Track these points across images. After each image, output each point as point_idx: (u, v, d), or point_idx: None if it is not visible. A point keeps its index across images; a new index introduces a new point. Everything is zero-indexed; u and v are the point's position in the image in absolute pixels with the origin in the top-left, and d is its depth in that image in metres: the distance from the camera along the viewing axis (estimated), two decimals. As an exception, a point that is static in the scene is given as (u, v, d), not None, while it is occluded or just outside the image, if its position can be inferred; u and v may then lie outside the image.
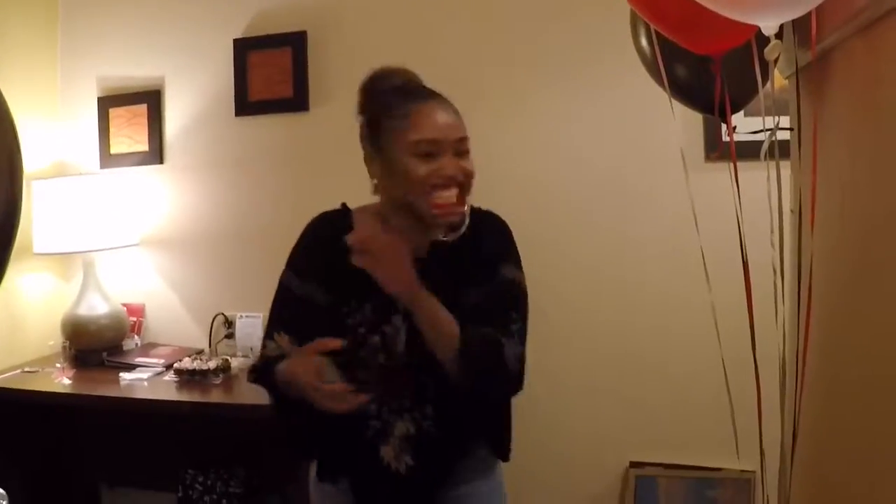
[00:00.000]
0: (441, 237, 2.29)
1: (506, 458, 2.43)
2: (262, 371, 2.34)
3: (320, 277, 2.33)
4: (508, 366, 2.17)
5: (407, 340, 2.25)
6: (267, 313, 3.83)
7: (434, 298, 2.17)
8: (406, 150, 2.20)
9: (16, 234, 1.44)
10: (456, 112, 2.29)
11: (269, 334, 2.38)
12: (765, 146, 1.94)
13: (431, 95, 2.33)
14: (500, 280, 2.27)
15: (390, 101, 2.32)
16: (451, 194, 2.18)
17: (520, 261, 2.36)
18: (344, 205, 2.47)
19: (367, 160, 2.34)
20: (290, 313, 2.38)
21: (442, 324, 2.16)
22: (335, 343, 2.16)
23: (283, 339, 2.32)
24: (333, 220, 2.43)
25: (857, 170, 1.63)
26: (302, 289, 2.36)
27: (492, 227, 2.39)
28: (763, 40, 1.72)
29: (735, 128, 2.14)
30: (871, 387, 1.54)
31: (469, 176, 2.23)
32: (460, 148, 2.23)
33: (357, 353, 2.24)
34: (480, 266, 2.28)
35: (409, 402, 2.26)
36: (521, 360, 2.22)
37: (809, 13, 1.65)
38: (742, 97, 2.15)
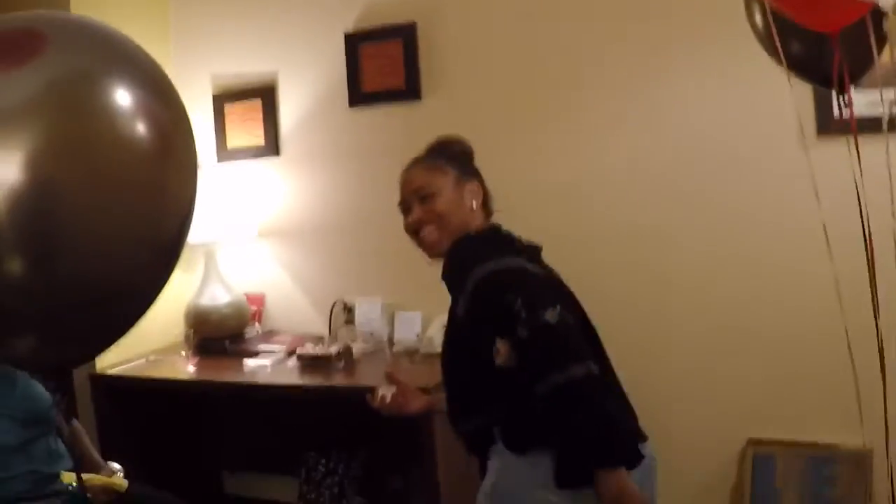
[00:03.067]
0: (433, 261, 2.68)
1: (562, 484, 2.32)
2: None
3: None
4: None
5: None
6: (386, 299, 3.94)
7: None
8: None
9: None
10: (427, 167, 2.73)
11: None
12: (886, 114, 1.94)
13: (413, 162, 2.82)
14: (473, 283, 2.43)
15: None
16: (423, 234, 2.63)
17: (483, 257, 2.45)
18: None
19: None
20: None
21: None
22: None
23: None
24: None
25: None
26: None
27: (488, 291, 2.39)
28: (878, 12, 1.74)
29: (851, 102, 2.14)
30: None
31: (436, 214, 2.61)
32: (421, 195, 2.64)
33: None
34: (488, 328, 2.40)
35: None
36: (551, 328, 2.25)
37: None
38: (858, 70, 2.15)
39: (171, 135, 1.47)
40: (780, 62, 2.21)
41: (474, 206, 2.66)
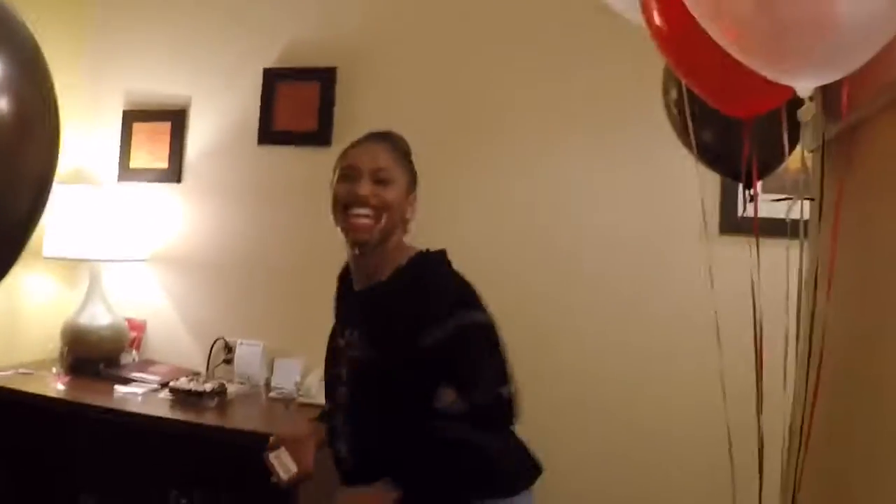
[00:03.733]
0: (352, 251, 2.51)
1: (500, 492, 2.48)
2: None
3: (336, 310, 2.78)
4: (478, 452, 2.34)
5: (346, 352, 2.57)
6: (268, 343, 3.87)
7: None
8: (336, 176, 2.52)
9: (42, 213, 1.50)
10: (391, 152, 2.53)
11: None
12: (788, 213, 1.96)
13: (376, 138, 2.59)
14: (457, 324, 2.36)
15: (351, 143, 2.62)
16: (362, 213, 2.41)
17: (471, 301, 2.45)
18: None
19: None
20: None
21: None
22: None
23: None
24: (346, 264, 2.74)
25: (874, 247, 1.64)
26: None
27: (430, 272, 2.51)
28: (791, 109, 1.74)
29: (757, 195, 2.15)
30: (878, 462, 1.53)
31: (384, 203, 2.44)
32: (379, 176, 2.45)
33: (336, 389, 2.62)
34: (428, 311, 2.39)
35: (340, 401, 2.59)
36: (497, 402, 2.36)
37: (841, 85, 1.67)
38: (767, 165, 2.16)
39: (33, 114, 1.39)
40: (690, 149, 2.21)
41: (409, 216, 2.55)
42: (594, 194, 3.73)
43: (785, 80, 1.46)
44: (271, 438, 2.64)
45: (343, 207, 2.45)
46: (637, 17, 1.92)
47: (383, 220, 2.43)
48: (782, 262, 2.05)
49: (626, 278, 3.66)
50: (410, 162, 2.59)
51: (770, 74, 1.48)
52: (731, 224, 3.43)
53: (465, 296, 2.43)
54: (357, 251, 2.48)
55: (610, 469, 3.62)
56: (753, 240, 2.08)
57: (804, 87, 1.45)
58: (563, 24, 3.76)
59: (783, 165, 2.13)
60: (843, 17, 1.29)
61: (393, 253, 2.51)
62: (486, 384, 2.36)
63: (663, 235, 3.59)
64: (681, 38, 1.71)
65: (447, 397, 2.31)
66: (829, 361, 1.82)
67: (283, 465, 2.53)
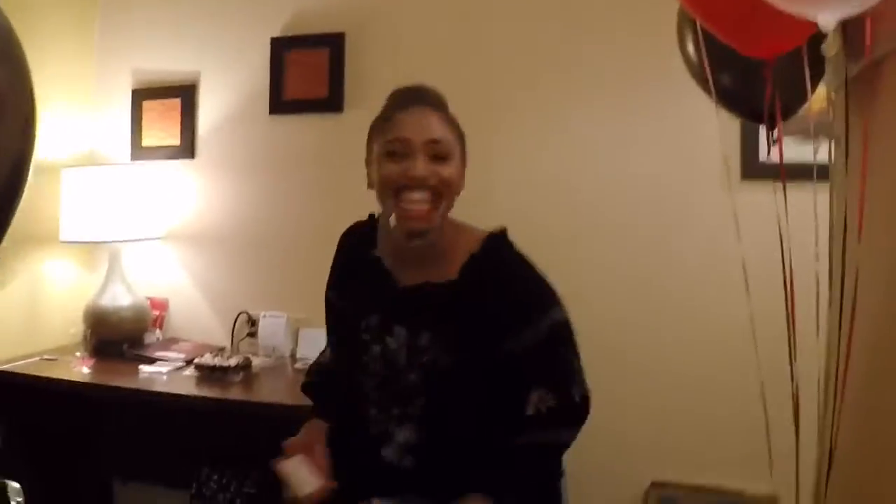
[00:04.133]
0: (406, 243, 2.24)
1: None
2: (308, 371, 2.74)
3: (338, 285, 2.50)
4: (563, 447, 2.34)
5: (407, 356, 2.26)
6: (291, 314, 3.82)
7: None
8: (381, 151, 2.21)
9: (21, 192, 1.47)
10: (445, 118, 2.26)
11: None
12: (816, 151, 1.92)
13: (422, 101, 2.29)
14: (548, 324, 2.28)
15: (387, 106, 2.35)
16: (418, 197, 2.16)
17: (555, 296, 2.34)
18: (372, 216, 2.49)
19: (367, 166, 2.35)
20: (328, 317, 2.59)
21: None
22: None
23: (328, 342, 2.62)
24: (359, 231, 2.51)
25: None
26: (330, 294, 2.54)
27: (512, 273, 2.32)
28: (813, 47, 1.69)
29: (780, 138, 2.10)
30: None
31: (444, 182, 2.19)
32: (436, 151, 2.18)
33: (361, 360, 2.32)
34: (516, 314, 2.26)
35: (409, 411, 2.27)
36: (585, 399, 2.33)
37: (863, 20, 1.61)
38: (789, 106, 2.11)
39: (5, 92, 1.34)
40: (709, 94, 2.16)
41: (461, 191, 2.29)
42: (617, 147, 3.69)
43: (806, 14, 1.41)
44: (285, 445, 2.39)
45: (395, 191, 2.17)
46: None
47: (443, 204, 2.20)
48: (807, 207, 2.00)
49: (651, 228, 3.63)
50: (459, 126, 2.31)
51: (791, 8, 1.42)
52: (754, 169, 3.38)
53: (549, 291, 2.32)
54: (419, 242, 2.22)
55: (638, 416, 3.62)
56: (776, 184, 2.03)
57: (827, 20, 1.40)
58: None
59: (805, 106, 2.07)
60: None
61: (454, 238, 2.31)
62: (580, 383, 2.30)
63: (686, 184, 3.55)
64: None
65: (538, 399, 2.22)
66: (863, 304, 1.77)
67: (302, 477, 2.27)
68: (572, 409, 2.28)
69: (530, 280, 2.31)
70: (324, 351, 2.66)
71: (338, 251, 2.55)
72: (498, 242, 2.33)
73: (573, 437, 2.32)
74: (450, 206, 2.24)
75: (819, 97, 2.10)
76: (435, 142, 2.18)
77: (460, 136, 2.28)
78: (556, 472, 2.40)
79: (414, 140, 2.16)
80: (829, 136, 1.96)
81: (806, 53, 1.87)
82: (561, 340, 2.30)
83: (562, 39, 3.75)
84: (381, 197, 2.23)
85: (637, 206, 3.65)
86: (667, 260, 3.60)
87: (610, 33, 3.65)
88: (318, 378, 2.61)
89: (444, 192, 2.19)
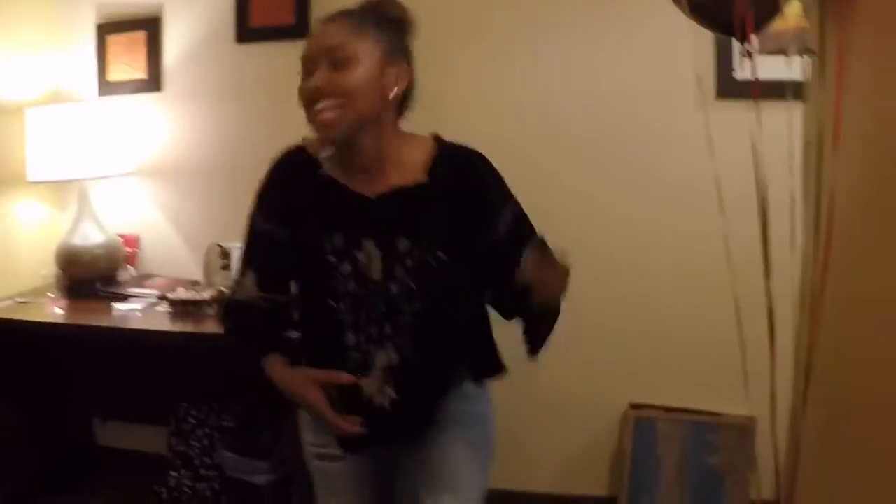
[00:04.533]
0: (323, 152, 2.28)
1: (499, 371, 2.43)
2: (227, 314, 2.54)
3: (282, 215, 2.36)
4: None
5: (383, 267, 2.21)
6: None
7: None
8: (300, 72, 2.27)
9: None
10: (353, 25, 2.21)
11: (240, 271, 2.46)
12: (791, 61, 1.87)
13: (335, 17, 2.26)
14: (513, 205, 2.33)
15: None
16: (321, 106, 2.15)
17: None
18: (306, 139, 2.45)
19: None
20: (255, 250, 2.45)
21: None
22: (344, 378, 2.20)
23: (250, 278, 2.38)
24: (296, 156, 2.44)
25: (887, 96, 1.54)
26: (264, 226, 2.42)
27: (482, 165, 2.35)
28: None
29: (753, 52, 2.06)
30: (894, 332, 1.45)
31: (344, 90, 2.15)
32: (334, 58, 2.15)
33: (329, 284, 2.24)
34: (496, 203, 2.30)
35: (389, 329, 2.22)
36: None
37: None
38: (762, 16, 2.05)
39: None
40: (681, 6, 2.10)
41: (392, 95, 2.24)
42: (589, 67, 3.65)
43: None
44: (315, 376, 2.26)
45: (307, 105, 2.21)
46: None
47: (350, 109, 2.15)
48: (784, 126, 1.96)
49: (625, 149, 3.61)
50: (387, 28, 2.26)
51: None
52: (729, 88, 3.36)
53: (504, 181, 2.35)
54: (330, 149, 2.25)
55: (616, 341, 3.63)
56: (752, 103, 1.99)
57: None
58: None
59: (782, 20, 2.02)
60: None
61: (399, 144, 2.31)
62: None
63: (660, 104, 3.52)
64: None
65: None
66: (840, 219, 1.74)
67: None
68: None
69: (491, 169, 2.34)
70: (238, 288, 2.45)
71: (273, 178, 2.47)
72: (450, 143, 2.34)
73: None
74: (367, 112, 2.19)
75: (796, 13, 2.06)
76: (331, 48, 2.16)
77: (381, 39, 2.23)
78: None
79: (314, 53, 2.20)
80: (806, 51, 1.91)
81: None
82: (527, 224, 2.34)
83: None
84: (306, 117, 2.24)
85: (610, 128, 3.62)
86: (642, 182, 3.58)
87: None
88: (252, 319, 2.42)
89: (348, 99, 2.15)
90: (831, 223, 1.72)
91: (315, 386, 2.22)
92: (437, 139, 2.35)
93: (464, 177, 2.28)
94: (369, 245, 2.22)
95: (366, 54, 2.18)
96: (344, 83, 2.15)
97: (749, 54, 2.03)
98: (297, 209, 2.32)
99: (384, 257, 2.21)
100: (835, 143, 1.71)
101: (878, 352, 1.53)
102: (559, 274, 2.12)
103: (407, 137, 2.34)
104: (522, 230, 2.29)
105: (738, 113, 2.07)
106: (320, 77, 2.15)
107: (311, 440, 2.45)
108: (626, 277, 3.59)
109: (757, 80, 1.97)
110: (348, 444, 2.31)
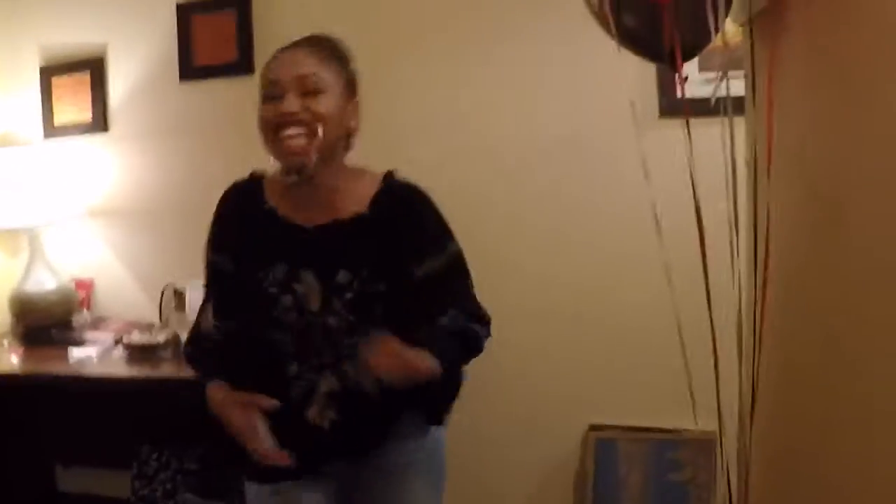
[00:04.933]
0: (288, 180, 2.23)
1: (437, 422, 2.45)
2: (186, 343, 2.59)
3: (228, 247, 2.43)
4: (481, 341, 2.35)
5: (322, 299, 2.23)
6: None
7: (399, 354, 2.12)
8: (259, 98, 2.25)
9: None
10: (318, 55, 2.25)
11: (202, 304, 2.54)
12: (714, 92, 1.89)
13: (299, 44, 2.31)
14: (449, 253, 2.34)
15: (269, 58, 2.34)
16: (293, 132, 2.15)
17: (451, 231, 2.39)
18: (253, 174, 2.49)
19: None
20: (210, 281, 2.53)
21: (419, 368, 2.11)
22: (271, 404, 2.18)
23: (209, 309, 2.47)
24: (243, 189, 2.47)
25: (817, 117, 1.57)
26: (214, 257, 2.49)
27: (422, 202, 2.37)
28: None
29: (687, 77, 2.07)
30: (833, 345, 1.51)
31: (317, 115, 2.17)
32: (306, 86, 2.17)
33: (270, 314, 2.26)
34: (425, 242, 2.32)
35: (329, 359, 2.25)
36: (490, 320, 2.39)
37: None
38: (694, 45, 2.07)
39: None
40: (611, 35, 2.12)
41: (352, 127, 2.30)
42: (528, 90, 3.65)
43: None
44: (226, 400, 2.29)
45: (272, 131, 2.19)
46: None
47: (320, 136, 2.17)
48: (724, 142, 1.98)
49: (566, 173, 3.62)
50: (345, 63, 2.32)
51: None
52: (672, 106, 3.34)
53: (446, 223, 2.36)
54: (296, 177, 2.20)
55: (571, 363, 3.63)
56: (695, 121, 2.01)
57: None
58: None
59: (717, 41, 2.04)
60: None
61: (350, 178, 2.34)
62: (478, 304, 2.37)
63: (600, 124, 3.51)
64: None
65: (451, 318, 2.25)
66: (775, 239, 1.77)
67: (262, 429, 2.19)
68: (482, 319, 2.36)
69: (433, 212, 2.36)
70: (200, 321, 2.51)
71: (220, 211, 2.50)
72: (398, 179, 2.36)
73: (485, 337, 2.36)
74: (331, 142, 2.22)
75: (735, 32, 2.08)
76: (303, 77, 2.18)
77: (341, 72, 2.28)
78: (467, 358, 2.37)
79: (283, 79, 2.19)
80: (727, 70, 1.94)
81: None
82: (462, 270, 2.38)
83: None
84: (264, 140, 2.24)
85: (551, 151, 3.63)
86: (591, 206, 3.59)
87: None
88: (207, 346, 2.46)
89: (317, 126, 2.17)
90: (767, 245, 1.75)
91: (242, 408, 2.21)
92: (388, 175, 2.37)
93: (403, 210, 2.31)
94: (308, 277, 2.24)
95: (334, 84, 2.23)
96: (317, 109, 2.17)
97: (682, 79, 2.06)
98: (241, 241, 2.37)
99: (323, 289, 2.23)
100: (768, 168, 1.74)
101: (819, 362, 1.57)
102: (399, 364, 2.10)
103: (357, 172, 2.37)
104: (448, 281, 2.33)
105: (680, 131, 2.06)
106: (292, 103, 2.16)
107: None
108: (579, 302, 3.59)
109: (687, 109, 2.00)
110: (270, 472, 2.28)
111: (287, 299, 2.25)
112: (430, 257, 2.30)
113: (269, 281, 2.26)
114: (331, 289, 2.23)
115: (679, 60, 2.03)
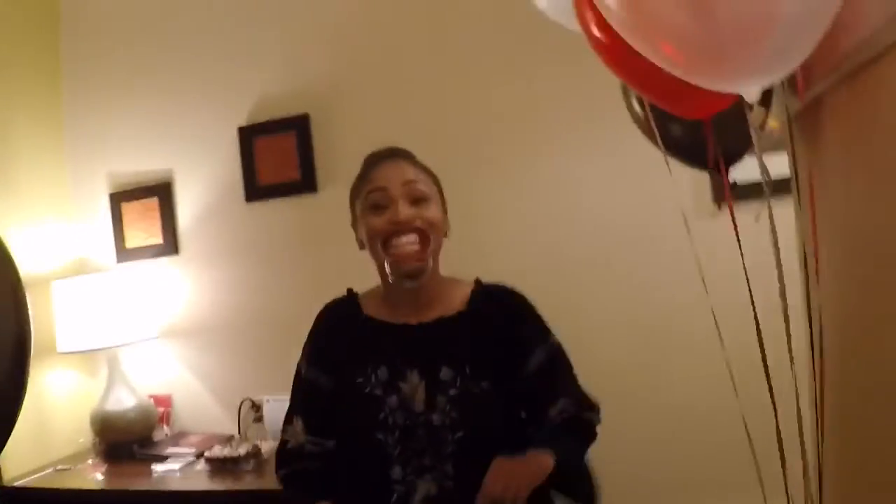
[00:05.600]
0: (404, 285, 2.29)
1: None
2: (280, 463, 2.53)
3: (326, 362, 2.43)
4: (594, 427, 2.45)
5: (426, 397, 2.27)
6: (292, 395, 3.86)
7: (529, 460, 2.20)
8: (364, 206, 2.29)
9: (27, 369, 1.56)
10: (416, 164, 2.36)
11: (287, 418, 2.52)
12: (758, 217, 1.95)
13: (393, 155, 2.38)
14: (551, 344, 2.42)
15: (363, 168, 2.42)
16: (407, 240, 2.22)
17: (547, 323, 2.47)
18: (350, 290, 2.55)
19: (354, 228, 2.44)
20: (301, 397, 2.50)
21: (538, 468, 2.18)
22: None
23: (298, 424, 2.44)
24: (339, 307, 2.52)
25: (853, 213, 1.64)
26: (309, 373, 2.46)
27: (520, 299, 2.45)
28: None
29: (735, 184, 2.17)
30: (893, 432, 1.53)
31: (428, 222, 2.25)
32: (413, 193, 2.26)
33: (376, 417, 2.27)
34: (528, 336, 2.39)
35: (430, 460, 2.25)
36: (598, 405, 2.48)
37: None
38: (737, 150, 2.17)
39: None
40: (657, 145, 2.23)
41: (446, 234, 2.38)
42: (580, 193, 3.78)
43: (730, 89, 1.47)
44: None
45: (384, 241, 2.24)
46: (574, 26, 1.90)
47: (432, 242, 2.26)
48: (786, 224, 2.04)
49: (630, 263, 3.71)
50: (432, 170, 2.41)
51: (714, 86, 1.48)
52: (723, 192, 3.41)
53: (543, 319, 2.45)
54: (415, 283, 2.27)
55: (640, 449, 3.65)
56: (752, 205, 2.08)
57: (750, 93, 1.45)
58: (523, 32, 3.71)
59: (765, 129, 2.13)
60: (781, 16, 1.29)
61: (444, 281, 2.43)
62: (584, 392, 2.45)
63: (659, 218, 3.56)
64: (620, 50, 1.65)
65: (560, 410, 2.35)
66: (832, 348, 1.82)
67: None
68: (592, 407, 2.45)
69: (531, 308, 2.44)
70: (287, 438, 2.50)
71: (317, 327, 2.53)
72: (489, 282, 2.46)
73: (598, 423, 2.46)
74: (439, 247, 2.31)
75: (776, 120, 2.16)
76: (411, 182, 2.26)
77: (436, 180, 2.38)
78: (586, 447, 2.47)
79: (391, 187, 2.25)
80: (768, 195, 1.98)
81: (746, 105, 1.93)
82: (565, 360, 2.45)
83: (518, 92, 3.84)
84: (373, 250, 2.29)
85: (614, 243, 3.72)
86: (653, 293, 3.66)
87: (564, 80, 3.71)
88: (303, 464, 2.46)
89: (430, 232, 2.25)
90: (821, 344, 1.81)
91: None
92: (477, 280, 2.46)
93: (502, 307, 2.38)
94: (413, 375, 2.28)
95: (434, 191, 2.33)
96: (428, 216, 2.26)
97: (726, 191, 2.15)
98: (340, 352, 2.40)
99: (427, 387, 2.27)
100: (815, 269, 1.81)
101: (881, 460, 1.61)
102: (516, 478, 2.13)
103: (448, 277, 2.46)
104: (555, 371, 2.40)
105: (739, 216, 2.14)
106: (405, 211, 2.23)
107: None
108: (642, 387, 3.66)
109: (733, 215, 2.09)
110: None
111: (392, 400, 2.27)
112: (537, 350, 2.36)
113: (373, 384, 2.29)
114: (435, 386, 2.26)
115: (723, 169, 2.15)
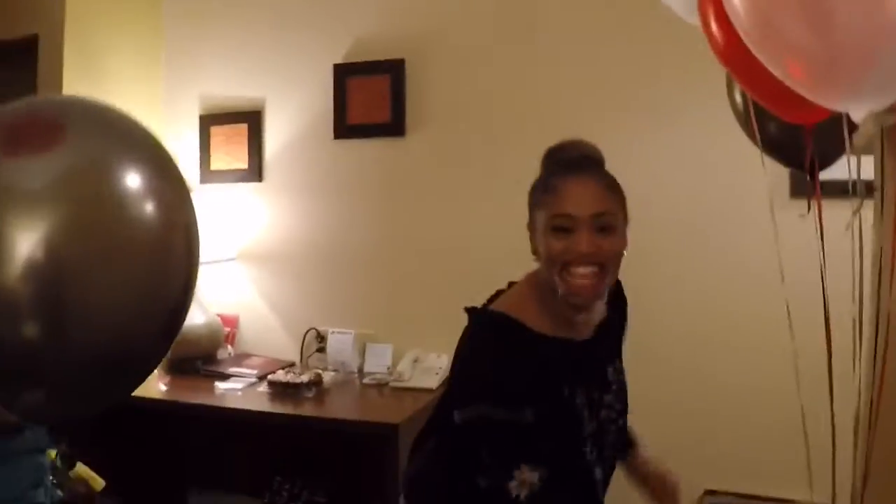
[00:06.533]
0: (573, 315, 2.17)
1: None
2: None
3: (523, 397, 2.08)
4: None
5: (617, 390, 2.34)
6: (358, 330, 3.93)
7: None
8: (546, 225, 2.11)
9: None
10: (609, 187, 2.14)
11: (502, 474, 2.10)
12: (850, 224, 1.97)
13: (584, 168, 2.18)
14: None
15: (547, 174, 2.24)
16: (584, 272, 2.06)
17: None
18: (502, 314, 2.23)
19: (529, 231, 2.26)
20: (514, 441, 2.12)
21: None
22: None
23: (529, 474, 2.07)
24: (505, 331, 2.17)
25: None
26: (500, 414, 2.08)
27: (622, 291, 2.48)
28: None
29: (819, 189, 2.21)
30: None
31: (609, 255, 2.08)
32: (600, 223, 2.06)
33: (581, 433, 2.17)
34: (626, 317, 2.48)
35: (611, 451, 2.33)
36: None
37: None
38: (829, 156, 2.21)
39: (176, 211, 1.52)
40: (754, 141, 2.27)
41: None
42: (665, 180, 3.81)
43: (838, 107, 1.51)
44: None
45: (561, 266, 2.06)
46: (695, 21, 1.92)
47: (608, 277, 2.10)
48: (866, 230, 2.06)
49: (703, 247, 3.76)
50: (620, 187, 2.18)
51: (824, 102, 1.52)
52: (804, 186, 3.40)
53: None
54: (580, 316, 2.17)
55: (690, 425, 3.73)
56: (828, 202, 2.12)
57: (858, 115, 1.46)
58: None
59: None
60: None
61: None
62: None
63: (736, 207, 3.64)
64: (738, 49, 1.65)
65: None
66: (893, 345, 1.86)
67: None
68: None
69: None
70: (515, 492, 2.07)
71: (497, 367, 2.11)
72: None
73: None
74: (615, 276, 2.17)
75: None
76: (600, 215, 2.07)
77: (622, 201, 2.18)
78: None
79: (578, 216, 2.06)
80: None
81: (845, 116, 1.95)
82: None
83: (614, 67, 3.86)
84: (548, 270, 2.12)
85: (697, 226, 3.78)
86: (730, 272, 3.71)
87: (654, 61, 3.77)
88: None
89: (609, 265, 2.10)
90: (886, 348, 1.85)
91: None
92: None
93: (622, 303, 2.44)
94: (593, 385, 2.24)
95: (622, 220, 2.14)
96: (610, 251, 2.08)
97: (817, 197, 2.19)
98: (534, 382, 2.11)
99: (597, 388, 2.26)
100: (890, 284, 1.83)
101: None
102: None
103: None
104: None
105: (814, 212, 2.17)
106: (587, 241, 2.04)
107: None
108: (703, 368, 3.71)
109: (821, 221, 2.12)
110: None
111: (587, 412, 2.20)
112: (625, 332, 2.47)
113: (577, 402, 2.17)
114: (603, 387, 2.26)
115: (817, 173, 2.19)
